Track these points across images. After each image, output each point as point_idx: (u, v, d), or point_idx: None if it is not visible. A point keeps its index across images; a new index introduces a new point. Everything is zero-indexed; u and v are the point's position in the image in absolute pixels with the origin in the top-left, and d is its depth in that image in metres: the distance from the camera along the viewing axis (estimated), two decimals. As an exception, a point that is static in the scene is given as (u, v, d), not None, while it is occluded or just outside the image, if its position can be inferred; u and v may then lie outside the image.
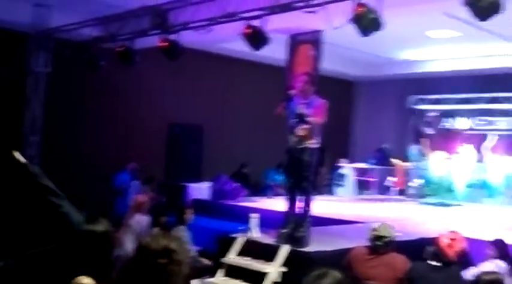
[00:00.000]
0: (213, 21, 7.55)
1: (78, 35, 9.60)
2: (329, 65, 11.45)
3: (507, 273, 5.50)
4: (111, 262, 2.75)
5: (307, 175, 6.18)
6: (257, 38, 7.27)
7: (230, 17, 7.34)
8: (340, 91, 14.57)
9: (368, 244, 5.24)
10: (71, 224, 2.68)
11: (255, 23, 7.23)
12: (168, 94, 11.42)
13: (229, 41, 9.54)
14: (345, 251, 5.62)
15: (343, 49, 12.10)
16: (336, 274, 2.03)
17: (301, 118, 6.06)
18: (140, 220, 6.93)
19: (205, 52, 11.63)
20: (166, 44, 8.17)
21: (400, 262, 5.02)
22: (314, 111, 6.09)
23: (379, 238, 5.11)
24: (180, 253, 2.41)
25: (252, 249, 6.35)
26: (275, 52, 10.55)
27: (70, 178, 10.14)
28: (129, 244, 6.08)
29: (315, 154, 6.22)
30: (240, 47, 11.15)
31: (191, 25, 7.84)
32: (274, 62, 11.48)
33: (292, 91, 6.35)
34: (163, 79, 11.18)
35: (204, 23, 7.68)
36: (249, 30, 7.18)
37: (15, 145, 3.06)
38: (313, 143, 6.18)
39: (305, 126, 6.09)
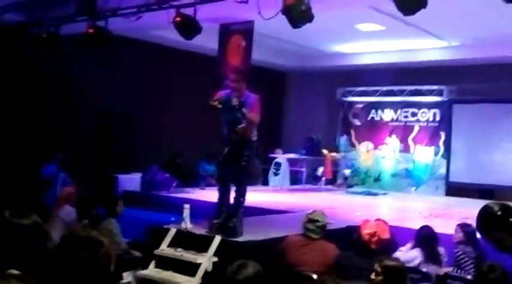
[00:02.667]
0: (143, 8, 7.32)
1: (1, 20, 9.10)
2: (261, 55, 11.46)
3: (422, 261, 5.68)
4: (41, 255, 2.63)
5: (245, 166, 6.13)
6: (188, 27, 7.13)
7: (161, 5, 7.13)
8: (272, 82, 14.58)
9: (301, 232, 5.38)
10: None
11: (186, 11, 7.07)
12: (97, 82, 11.01)
13: (160, 29, 9.31)
14: (277, 240, 5.67)
15: (275, 40, 12.11)
16: (256, 265, 2.03)
17: (236, 111, 5.91)
18: (69, 211, 6.73)
19: (136, 40, 11.29)
20: (93, 31, 7.84)
21: (330, 249, 5.22)
22: (250, 108, 5.96)
23: (312, 221, 5.29)
24: (107, 246, 2.40)
25: (184, 240, 6.25)
26: (208, 42, 10.45)
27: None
28: (57, 236, 5.84)
29: (253, 146, 6.22)
30: (173, 36, 11.03)
31: (120, 12, 7.57)
32: (207, 51, 11.35)
33: (226, 82, 6.22)
34: (92, 67, 10.76)
35: (133, 10, 7.43)
36: (180, 19, 7.01)
37: None
38: (252, 136, 6.15)
39: (243, 125, 5.98)
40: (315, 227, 5.29)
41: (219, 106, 5.87)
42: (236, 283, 1.91)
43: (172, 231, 6.36)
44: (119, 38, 9.45)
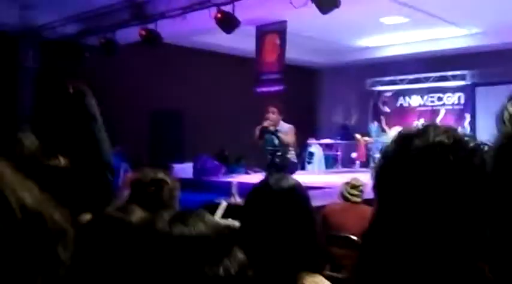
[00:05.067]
0: (188, 9, 7.49)
1: (62, 32, 9.43)
2: (294, 54, 11.52)
3: None
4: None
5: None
6: (228, 22, 7.25)
7: (202, 4, 7.28)
8: (306, 78, 14.66)
9: (341, 199, 5.19)
10: (100, 152, 2.72)
11: (225, 8, 7.20)
12: (150, 86, 11.30)
13: (203, 31, 9.47)
14: (318, 208, 5.63)
15: (307, 39, 12.13)
16: (294, 178, 1.96)
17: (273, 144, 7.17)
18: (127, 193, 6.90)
19: (182, 47, 11.58)
20: (145, 33, 8.08)
21: (371, 213, 5.00)
22: (285, 136, 7.21)
23: (354, 187, 5.10)
24: (172, 185, 2.52)
25: (234, 212, 6.32)
26: (244, 44, 10.62)
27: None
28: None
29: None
30: (214, 40, 11.24)
31: (168, 14, 7.76)
32: (245, 53, 11.53)
33: (266, 123, 7.24)
34: (144, 71, 11.05)
35: (179, 12, 7.61)
36: (220, 15, 7.15)
37: (10, 131, 3.01)
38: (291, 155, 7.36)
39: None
40: (358, 191, 5.08)
41: (261, 142, 7.28)
42: (281, 192, 1.85)
43: (224, 204, 6.44)
44: (167, 45, 9.69)
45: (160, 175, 2.52)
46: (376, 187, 1.02)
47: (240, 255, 1.10)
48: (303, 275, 1.66)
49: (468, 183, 0.88)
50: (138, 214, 1.64)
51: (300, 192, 1.84)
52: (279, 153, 7.00)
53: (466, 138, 0.97)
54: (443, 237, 0.91)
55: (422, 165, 0.93)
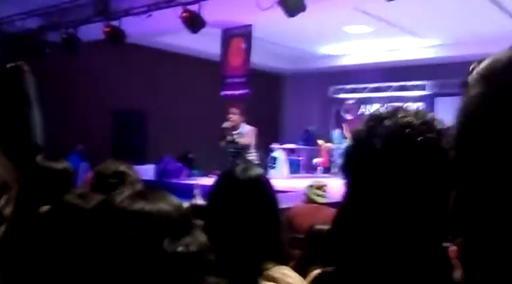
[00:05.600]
0: (152, 7, 7.28)
1: (23, 26, 9.06)
2: (259, 59, 11.46)
3: None
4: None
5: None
6: (194, 21, 7.10)
7: (168, 3, 7.10)
8: (270, 83, 14.61)
9: (306, 202, 5.12)
10: (28, 134, 2.56)
11: (192, 8, 7.04)
12: (113, 85, 11.00)
13: (168, 31, 9.28)
14: (282, 211, 5.51)
15: (271, 44, 12.09)
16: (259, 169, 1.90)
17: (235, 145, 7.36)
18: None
19: (147, 47, 11.36)
20: (109, 29, 7.82)
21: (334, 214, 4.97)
22: (245, 137, 7.40)
23: (319, 188, 5.07)
24: (129, 174, 2.47)
25: (197, 214, 6.13)
26: (210, 47, 10.49)
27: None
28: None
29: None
30: (179, 42, 11.04)
31: (132, 11, 7.53)
32: (208, 56, 11.40)
33: (227, 124, 7.39)
34: (107, 71, 10.76)
35: (144, 9, 7.39)
36: (186, 14, 6.99)
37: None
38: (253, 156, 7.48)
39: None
40: (322, 191, 5.08)
41: (224, 144, 7.42)
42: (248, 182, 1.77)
43: (185, 205, 6.26)
44: (131, 45, 9.44)
45: (122, 167, 2.45)
46: (346, 167, 1.04)
47: (202, 237, 1.07)
48: (268, 266, 1.63)
49: (434, 164, 0.89)
50: (98, 199, 1.56)
51: (266, 182, 1.81)
52: (240, 154, 6.99)
53: (435, 121, 0.98)
54: (409, 218, 0.93)
55: (391, 144, 0.95)
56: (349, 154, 1.03)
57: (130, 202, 1.05)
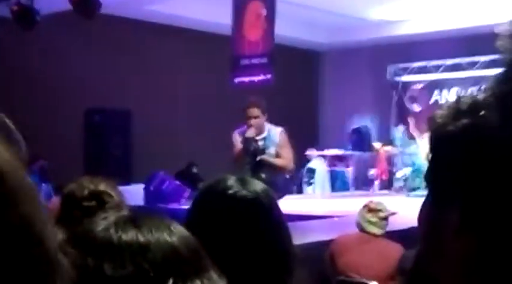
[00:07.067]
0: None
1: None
2: (287, 30, 11.48)
3: None
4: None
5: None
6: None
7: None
8: (302, 63, 14.68)
9: (356, 229, 5.17)
10: None
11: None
12: (85, 74, 11.14)
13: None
14: (322, 244, 5.56)
15: (303, 9, 12.11)
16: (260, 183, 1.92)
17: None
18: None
19: (127, 18, 11.48)
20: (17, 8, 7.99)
21: (395, 249, 5.00)
22: (282, 155, 7.11)
23: (373, 211, 5.07)
24: (111, 195, 2.48)
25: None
26: (217, 16, 10.55)
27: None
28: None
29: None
30: (172, 10, 11.11)
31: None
32: (215, 28, 11.49)
33: (251, 132, 6.99)
34: (77, 56, 10.90)
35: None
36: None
37: None
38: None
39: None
40: (377, 219, 5.07)
41: (244, 157, 7.10)
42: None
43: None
44: (107, 17, 9.50)
45: (102, 186, 2.45)
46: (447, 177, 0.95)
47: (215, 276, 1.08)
48: None
49: None
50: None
51: (271, 202, 1.79)
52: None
53: None
54: None
55: None
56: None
57: (117, 231, 1.05)
